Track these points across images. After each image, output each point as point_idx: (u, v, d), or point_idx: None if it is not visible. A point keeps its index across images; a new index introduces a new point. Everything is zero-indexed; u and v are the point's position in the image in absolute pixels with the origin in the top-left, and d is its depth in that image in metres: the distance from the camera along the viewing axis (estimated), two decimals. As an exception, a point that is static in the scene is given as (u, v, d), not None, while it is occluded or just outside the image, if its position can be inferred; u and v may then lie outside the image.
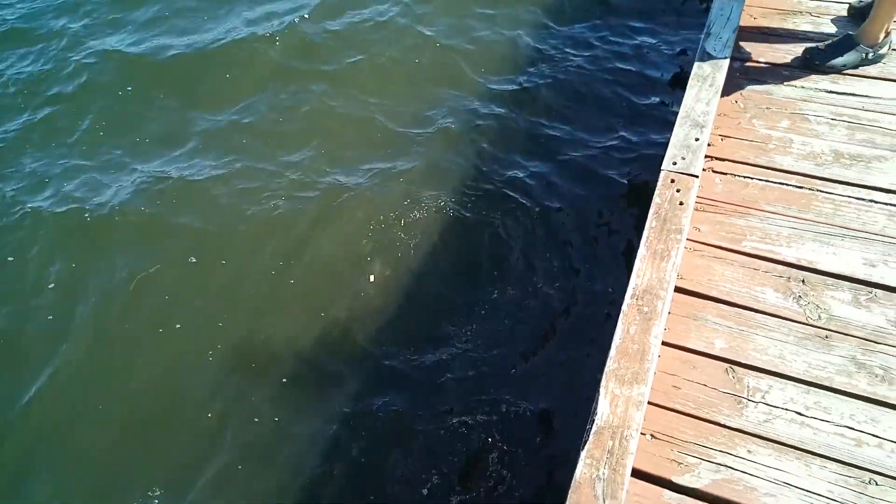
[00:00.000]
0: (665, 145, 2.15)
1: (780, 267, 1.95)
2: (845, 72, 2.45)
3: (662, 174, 2.05)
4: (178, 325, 2.78)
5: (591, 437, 1.53)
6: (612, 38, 4.00)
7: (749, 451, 1.61)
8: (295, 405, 2.57)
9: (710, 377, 1.75)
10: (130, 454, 2.46)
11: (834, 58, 2.43)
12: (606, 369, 1.65)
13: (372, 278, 2.90)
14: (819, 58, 2.45)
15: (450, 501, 2.29)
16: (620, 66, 3.81)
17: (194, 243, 3.05)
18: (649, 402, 1.68)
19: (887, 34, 2.40)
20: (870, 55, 2.40)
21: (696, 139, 2.11)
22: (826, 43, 2.48)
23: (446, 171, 3.30)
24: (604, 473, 1.46)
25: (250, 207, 3.17)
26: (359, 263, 2.95)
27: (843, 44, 2.44)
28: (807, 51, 2.49)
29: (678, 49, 3.95)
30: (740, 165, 2.22)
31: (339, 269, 2.94)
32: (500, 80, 3.80)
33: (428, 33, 4.08)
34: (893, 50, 2.48)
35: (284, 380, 2.64)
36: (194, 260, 2.99)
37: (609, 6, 4.26)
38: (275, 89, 3.77)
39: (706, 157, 2.21)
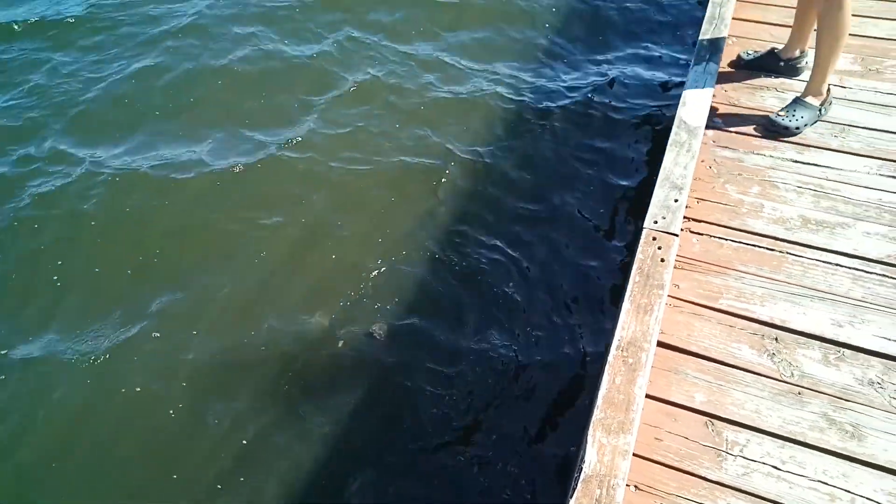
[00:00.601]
0: (642, 203, 2.27)
1: (754, 325, 2.04)
2: (809, 143, 2.63)
3: (644, 232, 2.15)
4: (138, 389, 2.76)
5: (579, 485, 1.56)
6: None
7: (729, 504, 1.65)
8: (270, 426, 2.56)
9: (690, 430, 1.80)
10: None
11: (790, 120, 2.61)
12: (593, 418, 1.69)
13: (377, 329, 2.91)
14: (777, 121, 2.63)
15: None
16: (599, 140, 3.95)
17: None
18: (633, 454, 1.72)
19: (829, 91, 2.60)
20: (822, 110, 2.61)
21: (676, 200, 2.22)
22: (781, 108, 2.67)
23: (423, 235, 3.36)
24: (592, 523, 1.49)
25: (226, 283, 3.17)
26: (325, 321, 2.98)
27: (794, 105, 2.64)
28: (767, 118, 2.67)
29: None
30: (715, 227, 2.34)
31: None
32: (478, 148, 3.88)
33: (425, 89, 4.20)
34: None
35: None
36: (158, 335, 2.96)
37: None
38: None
39: (684, 217, 2.33)
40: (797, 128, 2.61)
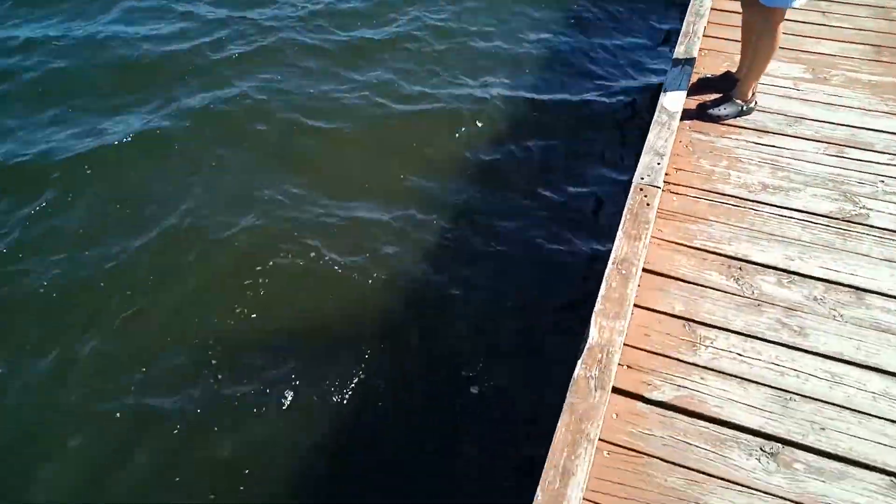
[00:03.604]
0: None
1: (722, 258, 2.51)
2: (768, 130, 3.15)
3: (633, 186, 2.63)
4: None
5: (584, 353, 1.99)
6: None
7: (702, 378, 2.09)
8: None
9: (671, 329, 2.25)
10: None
11: (718, 109, 3.17)
12: (595, 311, 2.13)
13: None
14: (709, 108, 3.18)
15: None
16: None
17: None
18: (626, 344, 2.16)
19: (754, 94, 3.17)
20: (744, 108, 3.17)
21: (658, 163, 2.72)
22: (713, 99, 3.22)
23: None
24: (595, 373, 1.91)
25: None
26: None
27: (724, 100, 3.19)
28: (699, 105, 3.21)
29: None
30: (691, 189, 2.83)
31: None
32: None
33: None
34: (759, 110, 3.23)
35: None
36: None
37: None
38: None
39: (665, 182, 2.82)
40: (719, 117, 3.17)
